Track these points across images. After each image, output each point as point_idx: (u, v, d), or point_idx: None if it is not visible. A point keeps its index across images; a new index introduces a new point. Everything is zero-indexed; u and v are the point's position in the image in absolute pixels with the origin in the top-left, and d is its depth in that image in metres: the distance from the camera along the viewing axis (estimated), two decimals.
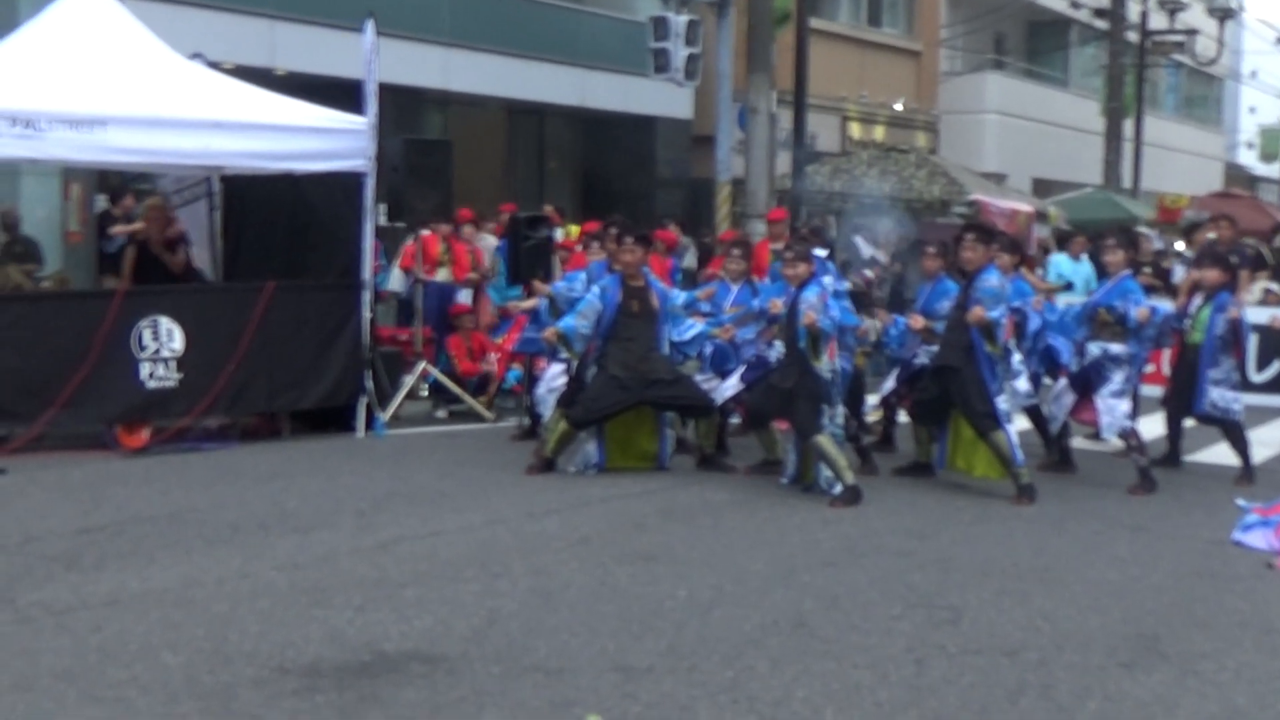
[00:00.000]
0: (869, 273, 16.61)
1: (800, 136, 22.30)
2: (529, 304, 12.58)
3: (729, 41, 19.78)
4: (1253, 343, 15.23)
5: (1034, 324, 11.26)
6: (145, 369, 11.56)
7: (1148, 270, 17.38)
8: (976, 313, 10.14)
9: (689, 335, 11.10)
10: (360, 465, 11.16)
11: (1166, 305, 12.13)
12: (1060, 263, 18.42)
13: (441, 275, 15.14)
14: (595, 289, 11.06)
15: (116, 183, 17.04)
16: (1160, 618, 7.31)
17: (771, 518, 9.53)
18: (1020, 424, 11.10)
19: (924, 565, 8.28)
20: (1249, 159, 58.15)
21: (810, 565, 8.19)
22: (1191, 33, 34.56)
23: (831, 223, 23.58)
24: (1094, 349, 10.94)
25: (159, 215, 13.63)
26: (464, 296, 15.11)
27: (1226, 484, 11.17)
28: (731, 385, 11.29)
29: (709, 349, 11.40)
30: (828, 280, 10.59)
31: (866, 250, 19.23)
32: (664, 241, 16.34)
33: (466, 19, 22.62)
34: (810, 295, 10.06)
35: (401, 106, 20.35)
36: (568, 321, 10.86)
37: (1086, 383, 11.01)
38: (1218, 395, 11.33)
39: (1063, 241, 19.96)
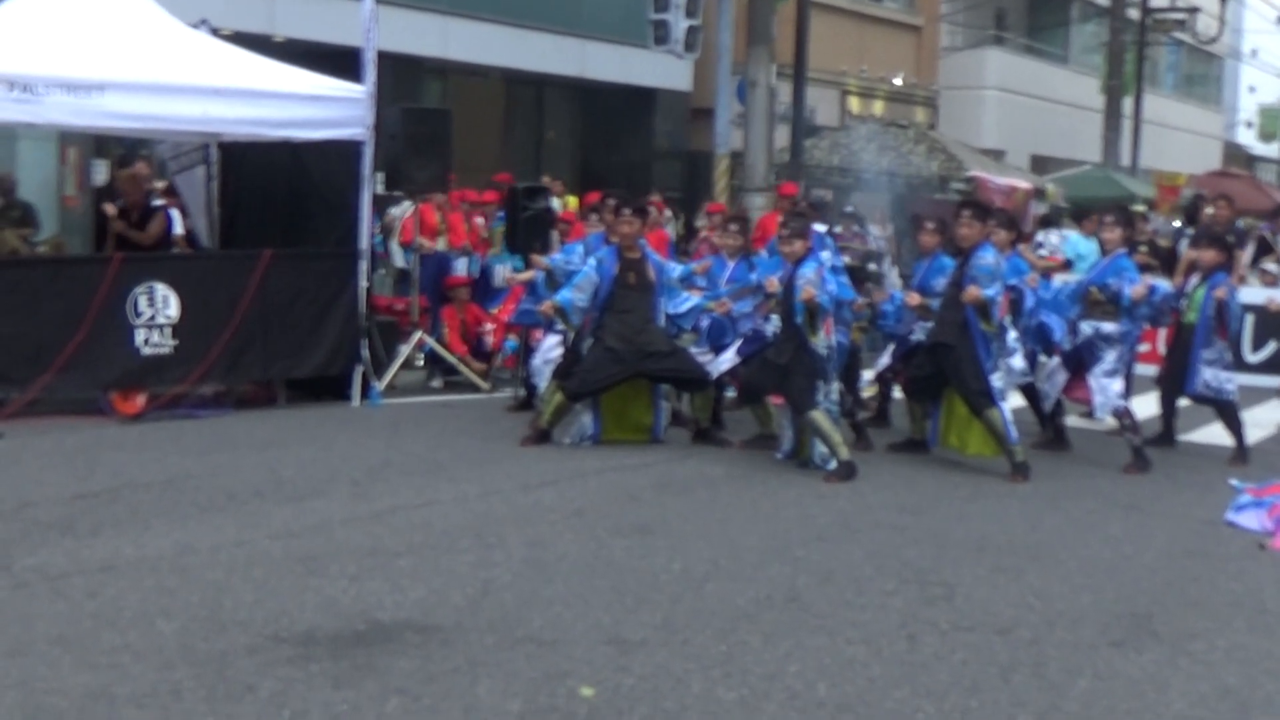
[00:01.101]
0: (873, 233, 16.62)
1: (799, 110, 22.27)
2: (526, 276, 12.57)
3: (729, 14, 19.73)
4: (1249, 323, 15.25)
5: (1029, 301, 11.26)
6: (141, 335, 11.55)
7: (1144, 249, 17.38)
8: (971, 292, 10.14)
9: (684, 308, 11.11)
10: (355, 434, 11.17)
11: (1165, 284, 12.14)
12: (1077, 241, 18.45)
13: (438, 245, 15.11)
14: (592, 261, 11.07)
15: (119, 152, 17.00)
16: (1153, 597, 7.33)
17: (766, 492, 9.56)
18: (1015, 401, 11.13)
19: (918, 541, 8.31)
20: (1248, 138, 58.10)
21: (804, 540, 8.22)
22: (1193, 11, 34.54)
23: (830, 197, 23.59)
24: (1086, 328, 10.94)
25: (133, 186, 13.63)
26: (460, 267, 15.08)
27: (1220, 464, 11.20)
28: (727, 359, 11.29)
29: (705, 322, 11.42)
30: (825, 255, 10.59)
31: (874, 237, 19.23)
32: (657, 209, 16.34)
33: None
34: (808, 271, 10.06)
35: (400, 75, 20.31)
36: (564, 294, 10.87)
37: (1079, 361, 11.02)
38: (1211, 375, 11.36)
39: (1078, 218, 20.04)
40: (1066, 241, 18.65)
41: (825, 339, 10.08)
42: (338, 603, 6.59)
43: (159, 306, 11.64)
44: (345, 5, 17.20)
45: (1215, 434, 11.96)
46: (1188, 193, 26.92)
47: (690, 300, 11.15)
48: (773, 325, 10.75)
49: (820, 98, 28.18)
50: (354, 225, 12.59)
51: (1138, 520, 9.21)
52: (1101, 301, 10.90)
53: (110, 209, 13.41)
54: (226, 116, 11.89)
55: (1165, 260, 17.05)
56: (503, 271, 14.99)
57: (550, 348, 11.69)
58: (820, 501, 9.30)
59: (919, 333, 11.27)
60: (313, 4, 19.89)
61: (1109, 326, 10.87)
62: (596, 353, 10.87)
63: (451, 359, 13.82)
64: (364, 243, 12.65)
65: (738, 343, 11.31)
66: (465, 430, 11.55)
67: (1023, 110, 36.82)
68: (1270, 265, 17.38)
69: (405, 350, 13.64)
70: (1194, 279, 11.70)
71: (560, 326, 11.23)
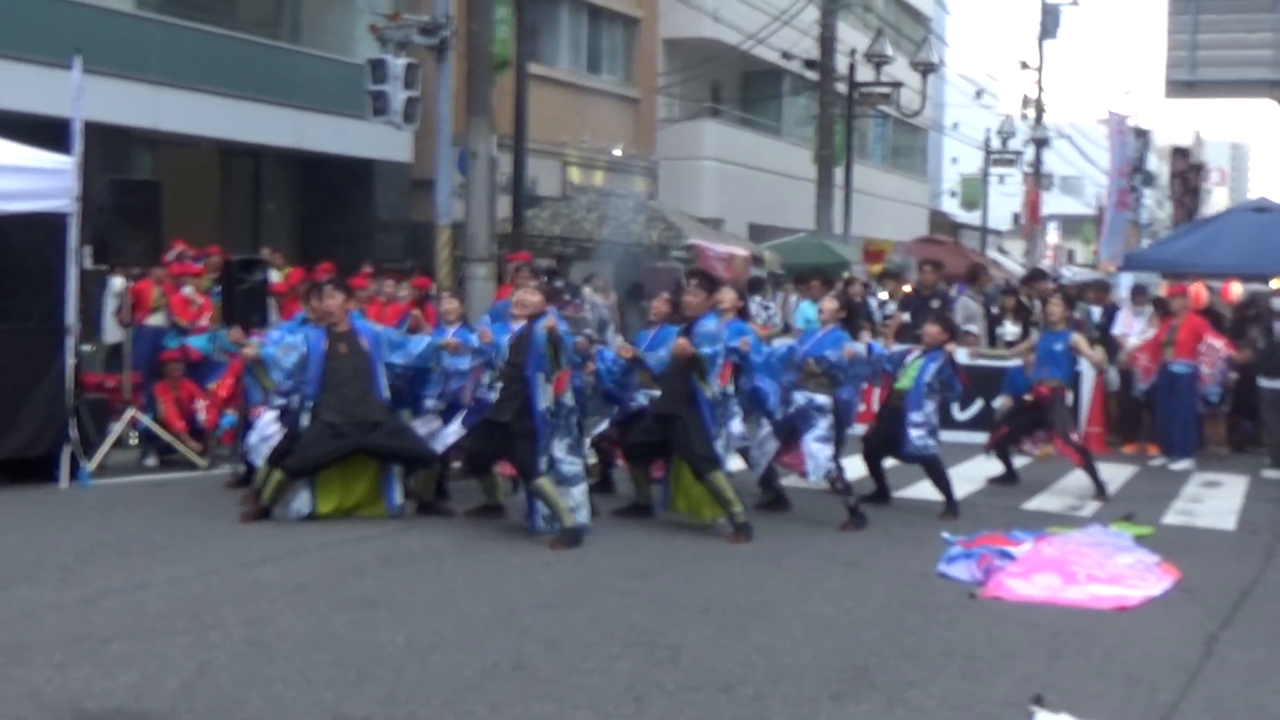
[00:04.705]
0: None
1: (520, 181, 22.39)
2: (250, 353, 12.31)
3: (448, 85, 19.72)
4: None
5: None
6: None
7: (863, 321, 18.00)
8: (681, 343, 10.32)
9: (420, 349, 11.07)
10: (64, 517, 10.74)
11: (878, 344, 12.57)
12: (806, 308, 18.96)
13: (155, 320, 14.69)
14: (301, 334, 10.98)
15: None
16: (870, 649, 7.53)
17: (492, 561, 9.52)
18: (734, 464, 11.33)
19: (645, 605, 8.37)
20: (952, 206, 60.67)
21: (531, 607, 8.20)
22: (896, 85, 35.82)
23: (556, 266, 23.79)
24: (799, 398, 11.22)
25: None
26: (199, 344, 14.61)
27: (933, 518, 11.59)
28: (453, 431, 11.27)
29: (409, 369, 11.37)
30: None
31: (595, 306, 19.52)
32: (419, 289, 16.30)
33: (177, 57, 22.09)
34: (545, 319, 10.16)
35: (109, 146, 19.71)
36: (269, 350, 10.73)
37: (792, 429, 11.26)
38: (917, 435, 11.77)
39: (798, 284, 20.66)
40: (799, 310, 19.21)
41: (556, 395, 10.16)
42: (42, 693, 6.30)
43: None
44: (49, 73, 16.71)
45: (927, 489, 12.36)
46: (895, 258, 27.93)
47: (423, 340, 11.12)
48: (496, 394, 10.77)
49: (541, 168, 28.40)
50: (60, 300, 12.16)
51: (856, 575, 9.45)
52: (817, 374, 11.20)
53: None
54: None
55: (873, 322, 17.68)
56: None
57: (267, 424, 11.45)
58: (547, 569, 9.30)
59: (641, 398, 11.38)
60: (14, 72, 19.19)
61: (823, 398, 11.17)
62: (315, 429, 10.71)
63: (167, 436, 13.42)
64: (70, 318, 12.22)
65: (462, 414, 11.29)
66: (181, 509, 11.22)
67: (739, 180, 37.73)
68: (973, 327, 18.14)
69: (117, 428, 13.19)
70: (916, 351, 12.11)
71: (276, 401, 11.02)
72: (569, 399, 10.44)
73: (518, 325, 10.43)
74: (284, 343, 10.78)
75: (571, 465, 10.39)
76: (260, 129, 23.65)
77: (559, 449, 10.30)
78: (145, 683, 6.50)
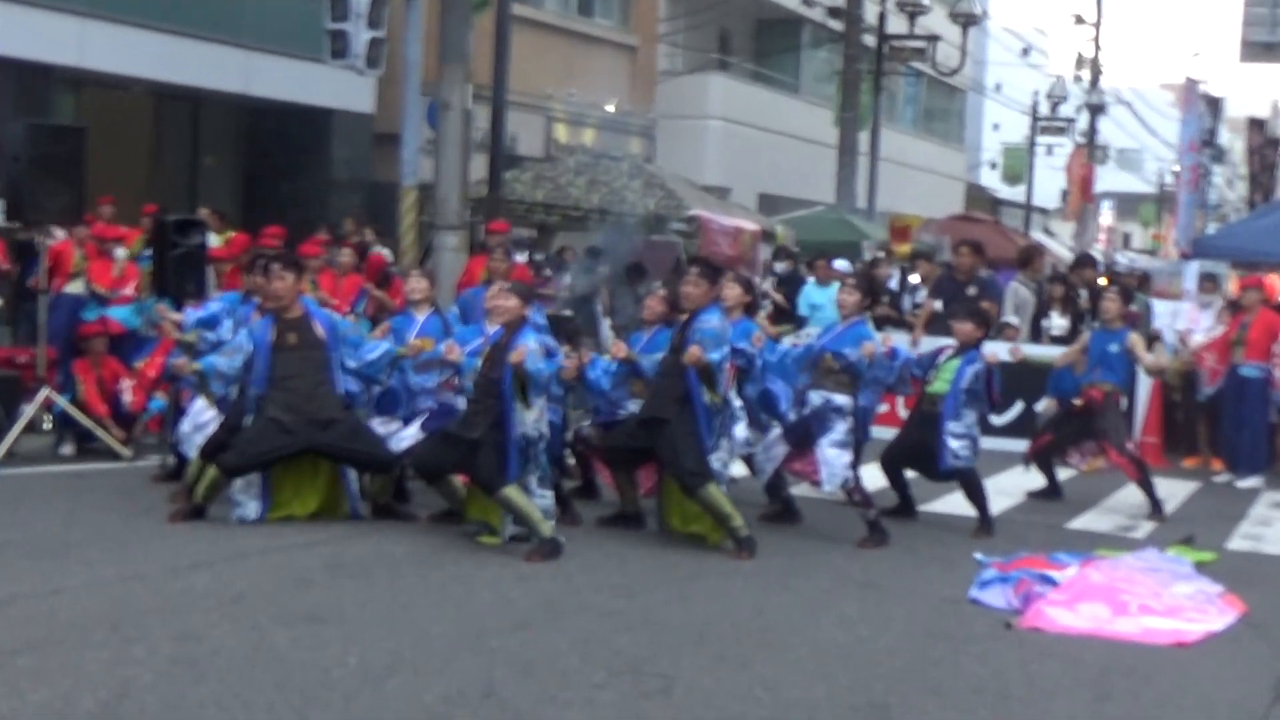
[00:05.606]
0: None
1: (499, 138, 22.37)
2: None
3: (418, 26, 19.71)
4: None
5: (756, 364, 11.44)
6: None
7: (885, 300, 17.99)
8: (694, 352, 10.23)
9: (373, 356, 11.05)
10: None
11: (905, 347, 12.53)
12: (810, 291, 18.92)
13: (75, 287, 14.68)
14: (244, 332, 10.97)
15: None
16: (891, 684, 7.55)
17: (458, 573, 9.53)
18: (738, 469, 11.33)
19: (632, 627, 8.39)
20: (992, 180, 60.57)
21: (502, 627, 8.22)
22: (933, 39, 35.78)
23: (536, 236, 23.81)
24: (815, 398, 11.18)
25: None
26: (123, 317, 14.62)
27: (964, 536, 11.61)
28: (411, 434, 11.27)
29: (376, 390, 11.38)
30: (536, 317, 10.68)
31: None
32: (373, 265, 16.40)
33: None
34: (528, 341, 10.07)
35: (25, 86, 19.72)
36: (211, 360, 10.78)
37: (806, 432, 11.23)
38: (958, 447, 11.73)
39: (810, 264, 20.65)
40: (802, 294, 19.19)
41: (535, 420, 10.17)
42: None
43: None
44: None
45: (958, 503, 12.38)
46: (926, 237, 27.92)
47: (380, 346, 11.11)
48: (464, 400, 10.77)
49: (523, 124, 28.37)
50: None
51: (875, 599, 9.47)
52: (835, 371, 11.16)
53: None
54: None
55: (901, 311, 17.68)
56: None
57: (201, 411, 11.47)
58: (520, 583, 9.31)
59: (632, 407, 11.33)
60: None
61: (841, 399, 11.12)
62: (259, 424, 10.72)
63: (87, 421, 13.42)
64: None
65: (423, 417, 11.29)
66: (102, 505, 11.25)
67: (749, 143, 37.68)
68: (1013, 319, 18.16)
69: (29, 411, 13.20)
70: (949, 350, 12.08)
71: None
72: (544, 427, 10.43)
73: (493, 329, 10.41)
74: (227, 349, 10.82)
75: (544, 499, 10.39)
76: (201, 71, 23.57)
77: (532, 481, 10.30)
78: (58, 702, 6.51)
